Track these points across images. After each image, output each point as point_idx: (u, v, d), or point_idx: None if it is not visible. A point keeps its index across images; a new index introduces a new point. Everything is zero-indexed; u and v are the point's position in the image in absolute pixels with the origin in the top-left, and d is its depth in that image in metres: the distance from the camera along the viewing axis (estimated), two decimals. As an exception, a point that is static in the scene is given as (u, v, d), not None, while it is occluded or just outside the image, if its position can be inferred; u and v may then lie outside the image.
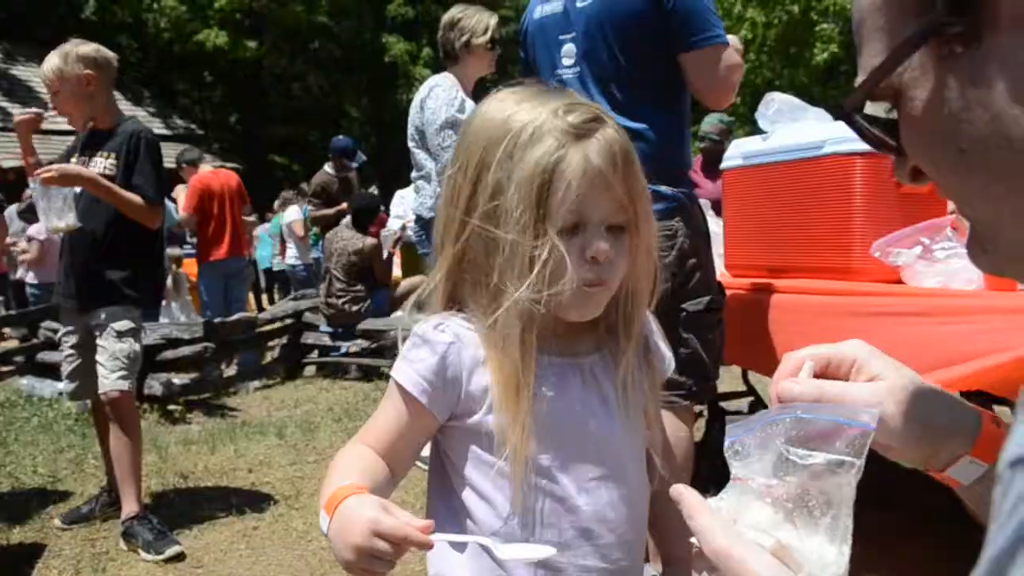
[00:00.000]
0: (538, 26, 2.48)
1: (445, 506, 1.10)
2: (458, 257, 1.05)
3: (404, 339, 1.10)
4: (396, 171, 9.91)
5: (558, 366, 1.06)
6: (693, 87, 2.30)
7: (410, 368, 1.06)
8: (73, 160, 3.26)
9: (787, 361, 0.80)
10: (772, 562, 0.66)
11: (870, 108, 0.59)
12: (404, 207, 7.45)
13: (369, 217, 6.64)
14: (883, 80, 0.55)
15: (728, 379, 4.53)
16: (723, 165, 2.86)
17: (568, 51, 2.37)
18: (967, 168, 0.53)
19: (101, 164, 3.17)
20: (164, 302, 8.22)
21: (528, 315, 0.99)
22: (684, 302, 2.30)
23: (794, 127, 2.55)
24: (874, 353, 0.78)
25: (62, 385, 3.42)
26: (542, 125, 0.97)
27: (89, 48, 3.18)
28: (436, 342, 1.05)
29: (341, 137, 7.83)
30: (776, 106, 2.60)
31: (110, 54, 3.26)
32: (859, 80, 0.57)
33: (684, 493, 0.75)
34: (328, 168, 7.41)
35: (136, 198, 3.13)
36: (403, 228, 7.46)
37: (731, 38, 2.44)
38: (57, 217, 3.08)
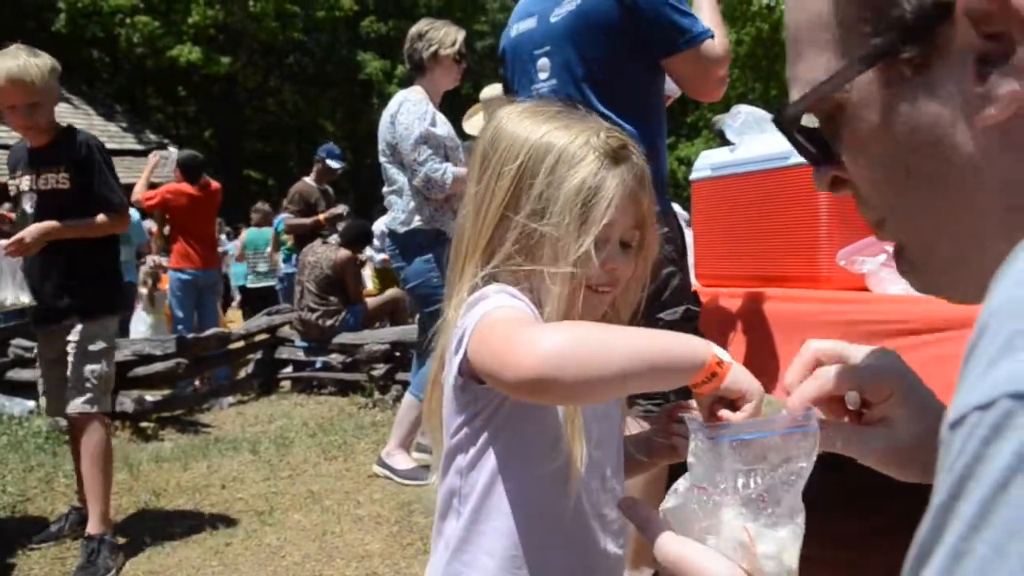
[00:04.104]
0: (514, 44, 2.51)
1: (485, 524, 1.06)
2: (488, 255, 1.07)
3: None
4: (371, 186, 9.88)
5: None
6: (682, 86, 2.36)
7: (514, 300, 1.03)
8: (16, 180, 3.17)
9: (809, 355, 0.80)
10: (726, 564, 0.67)
11: (804, 119, 0.61)
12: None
13: (363, 244, 6.73)
14: (827, 96, 0.56)
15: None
16: (692, 176, 2.90)
17: (543, 65, 2.39)
18: (910, 188, 0.55)
19: (53, 179, 3.10)
20: (134, 315, 8.13)
21: (569, 304, 1.04)
22: (661, 312, 2.31)
23: (761, 138, 2.58)
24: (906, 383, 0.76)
25: (33, 403, 3.38)
26: (582, 145, 1.05)
27: (52, 60, 3.08)
28: (525, 300, 1.04)
29: (330, 144, 7.92)
30: (743, 118, 2.64)
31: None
32: (799, 93, 0.59)
33: (634, 506, 0.76)
34: (308, 179, 7.41)
35: (101, 219, 3.11)
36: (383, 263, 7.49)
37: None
38: (12, 293, 3.05)
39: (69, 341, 3.13)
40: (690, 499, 0.74)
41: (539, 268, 1.04)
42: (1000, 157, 0.50)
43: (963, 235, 0.55)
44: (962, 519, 0.34)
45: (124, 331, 6.72)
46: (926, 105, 0.52)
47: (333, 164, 7.37)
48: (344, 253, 6.28)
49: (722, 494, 0.73)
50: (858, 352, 0.77)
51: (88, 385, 3.12)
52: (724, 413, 0.86)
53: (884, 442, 0.74)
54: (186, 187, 6.56)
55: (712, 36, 2.26)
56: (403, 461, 4.01)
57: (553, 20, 2.34)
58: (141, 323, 8.16)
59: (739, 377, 0.87)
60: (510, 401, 1.02)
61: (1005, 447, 0.33)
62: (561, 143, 1.05)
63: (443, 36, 3.85)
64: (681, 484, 0.76)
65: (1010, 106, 0.48)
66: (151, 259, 6.94)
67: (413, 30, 3.92)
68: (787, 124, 0.61)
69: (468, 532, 1.06)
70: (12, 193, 3.22)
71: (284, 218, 7.48)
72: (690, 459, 0.77)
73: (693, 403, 0.95)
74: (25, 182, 3.14)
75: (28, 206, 3.11)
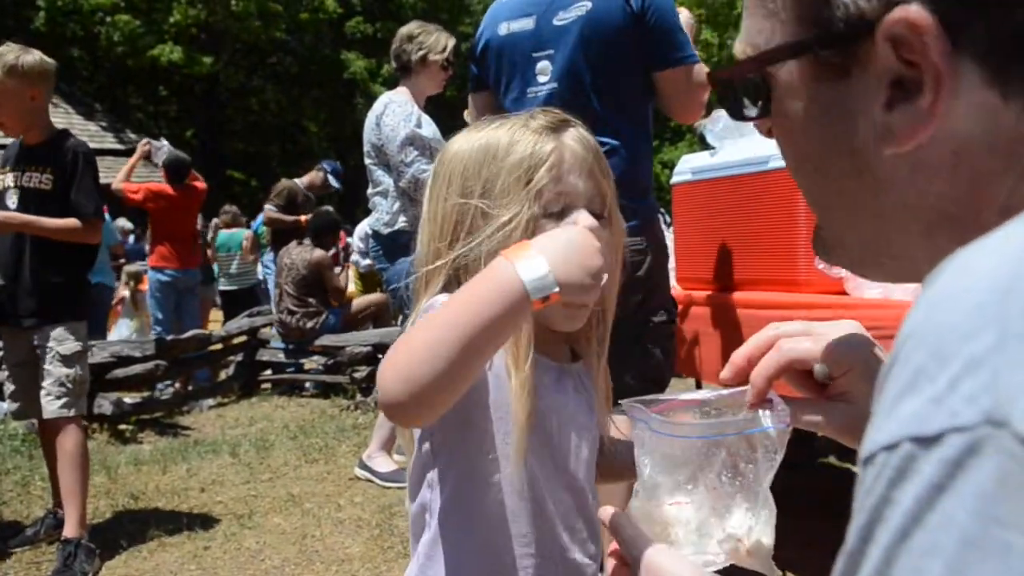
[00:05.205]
0: (504, 43, 2.44)
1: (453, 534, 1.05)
2: (451, 264, 1.06)
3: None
4: (354, 186, 9.85)
5: (555, 370, 1.08)
6: (665, 104, 2.38)
7: None
8: (3, 175, 3.17)
9: (765, 338, 0.77)
10: (690, 565, 0.68)
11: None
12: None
13: (332, 234, 6.67)
14: (760, 69, 0.57)
15: (683, 390, 4.56)
16: (672, 180, 2.91)
17: (543, 68, 2.35)
18: (820, 181, 0.56)
19: (36, 179, 3.10)
20: (117, 321, 8.05)
21: None
22: (651, 315, 2.35)
23: (741, 143, 2.60)
24: (862, 356, 0.74)
25: (6, 405, 3.36)
26: (517, 130, 1.05)
27: (34, 59, 3.07)
28: None
29: (337, 162, 7.96)
30: (723, 122, 2.66)
31: (52, 63, 3.17)
32: (739, 49, 0.59)
33: (609, 510, 0.77)
34: (300, 181, 7.40)
35: (72, 223, 3.08)
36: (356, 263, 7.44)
37: (684, 13, 2.52)
38: None
39: (37, 345, 3.10)
40: (658, 519, 0.74)
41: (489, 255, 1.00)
42: (911, 180, 0.50)
43: (873, 239, 0.55)
44: (870, 563, 0.34)
45: (102, 334, 6.64)
46: (840, 116, 0.52)
47: (333, 182, 7.41)
48: (319, 253, 6.24)
49: (686, 503, 0.73)
50: (821, 329, 0.76)
51: (63, 389, 3.09)
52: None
53: (843, 417, 0.73)
54: (168, 188, 6.53)
55: (698, 61, 2.34)
56: (384, 464, 4.00)
57: (558, 23, 2.31)
58: (125, 328, 8.08)
59: (572, 293, 0.84)
60: (464, 416, 1.00)
61: (909, 491, 0.33)
62: (498, 135, 1.05)
63: (434, 42, 3.85)
64: (640, 486, 0.76)
65: (908, 142, 0.49)
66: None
67: (404, 30, 3.92)
68: (719, 82, 0.61)
69: (432, 548, 1.06)
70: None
71: (266, 210, 7.41)
72: (641, 454, 0.77)
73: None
74: (10, 178, 3.15)
75: (10, 202, 3.11)
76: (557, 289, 0.82)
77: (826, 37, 0.51)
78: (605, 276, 0.87)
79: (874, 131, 0.50)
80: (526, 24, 2.39)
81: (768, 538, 0.72)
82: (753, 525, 0.71)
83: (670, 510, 0.72)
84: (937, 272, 0.37)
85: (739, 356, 0.77)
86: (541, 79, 2.36)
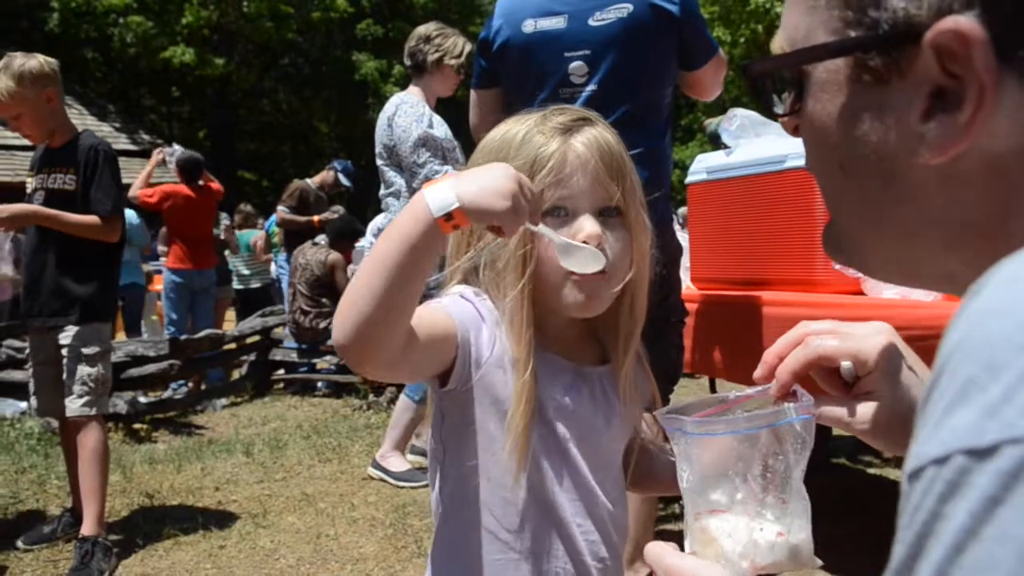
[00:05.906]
0: (530, 41, 2.38)
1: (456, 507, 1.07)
2: (467, 262, 1.08)
3: None
4: (365, 187, 9.87)
5: (571, 372, 1.07)
6: (694, 90, 2.48)
7: (453, 306, 1.03)
8: (31, 179, 3.22)
9: (797, 337, 0.78)
10: (723, 572, 0.68)
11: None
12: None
13: (350, 241, 6.70)
14: (795, 66, 0.56)
15: (696, 390, 4.57)
16: (688, 179, 2.91)
17: (578, 68, 2.31)
18: (843, 183, 0.55)
19: (61, 180, 3.14)
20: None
21: (524, 300, 1.00)
22: (670, 313, 2.37)
23: (756, 142, 2.60)
24: (890, 364, 0.74)
25: (25, 404, 3.39)
26: (532, 128, 1.04)
27: (36, 63, 3.08)
28: (474, 303, 1.04)
29: (348, 161, 8.01)
30: (739, 121, 2.65)
31: (55, 62, 3.18)
32: (778, 43, 0.58)
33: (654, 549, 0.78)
34: (311, 181, 7.42)
35: (91, 219, 3.10)
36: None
37: None
38: None
39: (62, 344, 3.13)
40: (701, 529, 0.74)
41: (495, 272, 1.03)
42: (940, 190, 0.50)
43: (892, 245, 0.55)
44: None
45: (138, 332, 6.75)
46: (873, 121, 0.51)
47: (344, 181, 7.44)
48: (335, 256, 6.26)
49: (722, 495, 0.73)
50: (849, 328, 0.76)
51: (86, 388, 3.12)
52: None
53: (867, 414, 0.73)
54: (183, 188, 6.56)
55: (719, 47, 2.41)
56: (398, 463, 4.01)
57: (594, 24, 2.28)
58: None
59: (479, 215, 0.86)
60: (473, 403, 1.01)
61: (961, 507, 0.32)
62: (512, 132, 1.05)
63: (451, 45, 3.85)
64: (684, 496, 0.76)
65: (942, 155, 0.48)
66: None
67: (422, 30, 3.91)
68: (754, 75, 0.60)
69: (441, 536, 1.07)
70: (28, 191, 3.26)
71: (279, 211, 7.43)
72: (679, 463, 0.77)
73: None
74: (37, 180, 3.20)
75: (36, 203, 3.14)
76: (457, 204, 0.84)
77: (870, 40, 0.50)
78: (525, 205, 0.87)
79: (907, 140, 0.49)
80: (556, 23, 2.34)
81: (804, 532, 0.72)
82: (789, 523, 0.71)
83: (712, 521, 0.73)
84: (981, 283, 0.37)
85: (771, 354, 0.77)
86: (576, 80, 2.32)
